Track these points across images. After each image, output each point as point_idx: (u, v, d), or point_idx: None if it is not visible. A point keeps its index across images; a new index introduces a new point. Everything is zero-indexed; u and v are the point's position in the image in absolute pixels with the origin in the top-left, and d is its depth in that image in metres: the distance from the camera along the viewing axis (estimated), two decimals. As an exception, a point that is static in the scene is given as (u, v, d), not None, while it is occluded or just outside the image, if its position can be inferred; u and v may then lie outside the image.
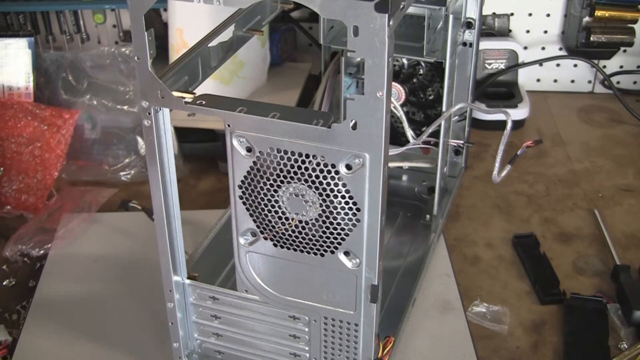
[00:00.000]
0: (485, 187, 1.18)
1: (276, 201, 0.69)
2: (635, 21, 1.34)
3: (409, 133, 0.96)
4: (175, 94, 0.67)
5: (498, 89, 1.37)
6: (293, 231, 0.70)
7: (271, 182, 0.68)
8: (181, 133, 1.17)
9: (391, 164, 1.10)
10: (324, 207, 0.67)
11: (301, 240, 0.70)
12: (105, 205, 1.13)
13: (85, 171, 1.20)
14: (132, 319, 0.93)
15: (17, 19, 1.36)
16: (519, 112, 1.33)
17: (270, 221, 0.70)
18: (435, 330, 0.91)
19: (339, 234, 0.68)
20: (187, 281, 0.79)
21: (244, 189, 0.69)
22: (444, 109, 1.00)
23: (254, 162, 0.67)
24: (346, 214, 0.67)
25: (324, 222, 0.68)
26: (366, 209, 0.66)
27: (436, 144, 1.02)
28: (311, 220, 0.69)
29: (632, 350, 0.87)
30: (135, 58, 0.66)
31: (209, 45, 0.78)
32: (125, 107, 1.21)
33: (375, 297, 0.71)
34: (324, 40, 0.97)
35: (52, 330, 0.92)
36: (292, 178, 0.67)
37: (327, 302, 0.73)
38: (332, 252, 0.70)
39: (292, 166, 0.66)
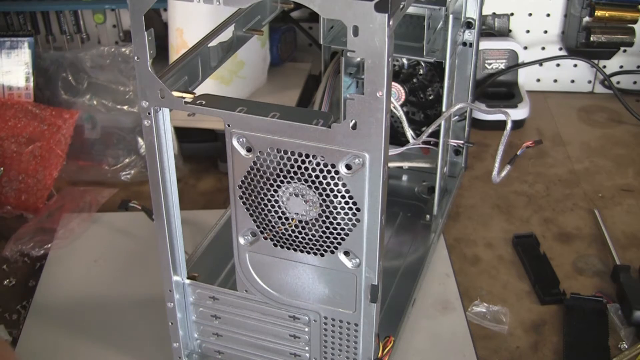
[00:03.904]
0: (485, 187, 1.18)
1: (276, 201, 0.69)
2: (635, 21, 1.34)
3: (409, 133, 0.96)
4: (175, 94, 0.67)
5: (498, 89, 1.37)
6: (293, 231, 0.70)
7: (271, 182, 0.68)
8: (181, 133, 1.18)
9: (391, 164, 1.10)
10: (324, 207, 0.67)
11: (301, 240, 0.70)
12: (105, 205, 1.13)
13: (85, 171, 1.20)
14: (131, 319, 0.93)
15: (17, 19, 1.36)
16: (519, 112, 1.33)
17: (270, 221, 0.70)
18: (435, 330, 0.91)
19: (338, 234, 0.68)
20: (187, 281, 0.79)
21: (244, 189, 0.69)
22: (444, 109, 1.00)
23: (254, 162, 0.67)
24: (346, 214, 0.67)
25: (324, 222, 0.68)
26: (366, 209, 0.66)
27: (436, 144, 1.02)
28: (311, 220, 0.69)
29: (632, 350, 0.87)
30: (135, 58, 0.66)
31: (209, 45, 0.78)
32: (125, 107, 1.21)
33: (375, 297, 0.71)
34: (324, 40, 0.98)
35: (52, 330, 0.92)
36: (292, 178, 0.67)
37: (327, 302, 0.73)
38: (332, 252, 0.70)
39: (292, 166, 0.66)
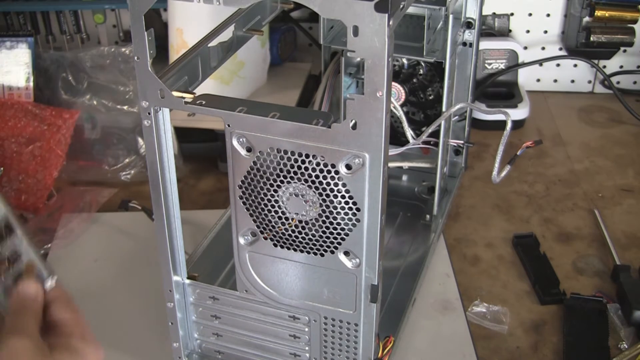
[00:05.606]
0: (485, 187, 1.18)
1: (276, 201, 0.69)
2: (635, 21, 1.34)
3: (409, 133, 0.96)
4: (175, 94, 0.67)
5: (498, 89, 1.37)
6: (293, 231, 0.70)
7: (271, 182, 0.68)
8: (181, 133, 1.17)
9: (391, 164, 1.10)
10: (324, 207, 0.67)
11: (301, 240, 0.70)
12: (105, 205, 1.13)
13: (85, 171, 1.20)
14: (132, 319, 0.93)
15: (17, 19, 1.36)
16: (519, 112, 1.33)
17: (270, 221, 0.70)
18: (435, 330, 0.91)
19: (338, 234, 0.68)
20: (187, 281, 0.79)
21: (244, 189, 0.69)
22: (444, 109, 1.00)
23: (254, 162, 0.67)
24: (346, 214, 0.67)
25: (324, 222, 0.68)
26: (366, 209, 0.66)
27: (436, 144, 1.02)
28: (311, 220, 0.69)
29: (632, 350, 0.87)
30: (135, 58, 0.66)
31: (209, 45, 0.78)
32: (125, 107, 1.21)
33: (375, 297, 0.71)
34: (324, 40, 0.98)
35: (52, 330, 0.91)
36: (292, 178, 0.67)
37: (327, 302, 0.73)
38: (332, 252, 0.70)
39: (292, 166, 0.66)
